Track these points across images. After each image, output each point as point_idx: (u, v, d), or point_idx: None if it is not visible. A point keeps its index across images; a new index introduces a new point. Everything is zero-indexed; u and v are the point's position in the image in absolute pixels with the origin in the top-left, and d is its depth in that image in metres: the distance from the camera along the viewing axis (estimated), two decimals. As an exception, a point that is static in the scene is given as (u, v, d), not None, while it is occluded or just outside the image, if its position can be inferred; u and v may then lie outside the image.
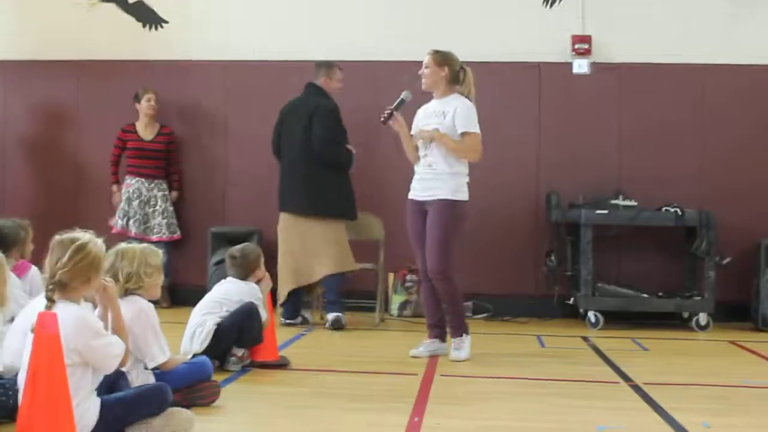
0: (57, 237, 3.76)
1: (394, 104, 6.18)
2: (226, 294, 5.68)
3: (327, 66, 7.83)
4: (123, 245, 4.45)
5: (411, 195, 6.25)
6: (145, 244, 4.63)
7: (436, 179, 6.09)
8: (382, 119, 6.18)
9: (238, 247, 6.02)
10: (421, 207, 6.15)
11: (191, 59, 8.90)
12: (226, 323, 5.48)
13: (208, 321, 5.48)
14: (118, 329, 3.86)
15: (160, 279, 4.46)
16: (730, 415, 4.54)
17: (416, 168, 6.23)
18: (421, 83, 6.19)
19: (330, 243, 7.49)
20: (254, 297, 5.70)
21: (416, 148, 6.20)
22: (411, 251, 6.38)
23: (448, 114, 6.10)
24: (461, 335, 6.12)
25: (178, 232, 8.65)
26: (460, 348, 6.08)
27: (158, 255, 4.48)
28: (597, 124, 8.55)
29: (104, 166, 8.73)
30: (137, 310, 4.24)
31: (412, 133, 6.21)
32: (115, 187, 8.69)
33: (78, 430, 3.35)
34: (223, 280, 5.90)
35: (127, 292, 4.28)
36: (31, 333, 3.25)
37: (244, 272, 5.82)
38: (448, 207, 6.07)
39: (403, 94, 6.24)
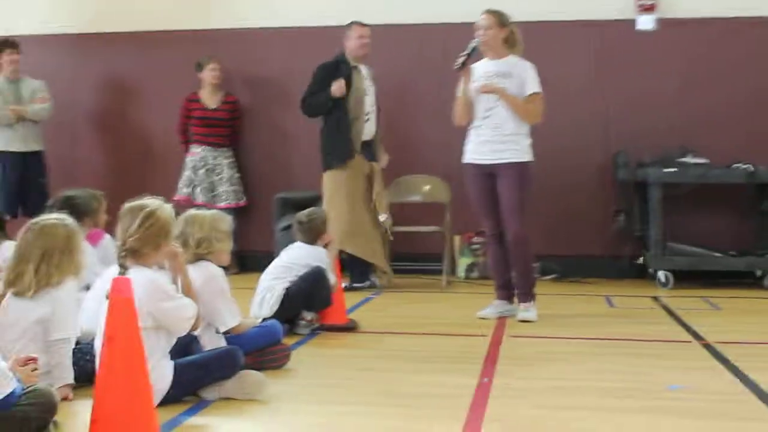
0: (127, 205, 3.83)
1: (468, 50, 6.02)
2: (295, 259, 5.74)
3: (346, 27, 7.78)
4: (192, 211, 4.52)
5: (472, 158, 6.17)
6: (214, 211, 4.69)
7: (505, 141, 6.03)
8: (457, 66, 6.02)
9: (305, 212, 6.06)
10: (487, 170, 6.08)
11: (254, 26, 8.93)
12: (295, 288, 5.55)
13: (277, 286, 5.55)
14: (189, 295, 3.93)
15: (229, 245, 4.52)
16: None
17: (476, 130, 6.13)
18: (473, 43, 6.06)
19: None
20: (322, 261, 5.75)
21: (469, 109, 6.12)
22: (476, 213, 6.37)
23: (514, 76, 6.03)
24: (530, 301, 6.11)
25: (244, 199, 8.75)
26: (529, 309, 6.07)
27: (227, 221, 4.54)
28: (664, 83, 8.38)
29: (170, 136, 8.85)
30: (208, 275, 4.31)
31: (473, 88, 6.07)
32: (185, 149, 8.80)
33: (154, 392, 3.42)
34: (290, 245, 5.96)
35: (197, 258, 4.34)
36: (106, 299, 3.32)
37: (312, 237, 5.87)
38: (522, 169, 6.04)
39: (475, 42, 6.06)
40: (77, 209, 5.04)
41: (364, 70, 7.75)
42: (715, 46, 8.29)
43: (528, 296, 6.13)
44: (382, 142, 7.90)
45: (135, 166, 9.04)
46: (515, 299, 6.21)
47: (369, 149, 7.72)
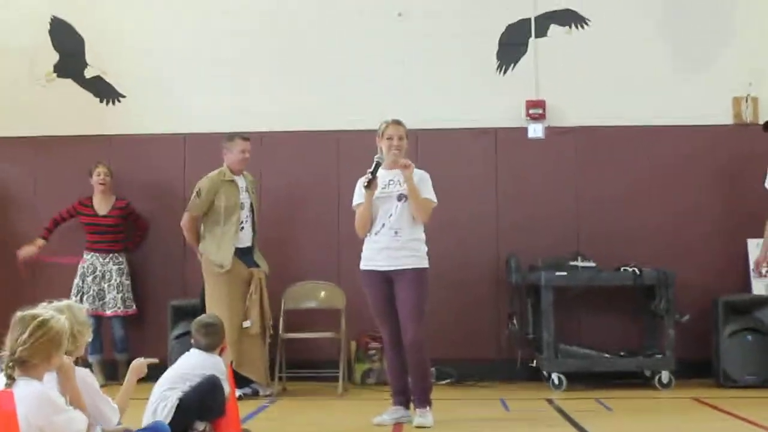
0: (18, 313, 3.71)
1: (373, 167, 6.03)
2: (191, 367, 5.58)
3: (227, 138, 7.89)
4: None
5: (371, 266, 6.15)
6: (68, 302, 4.50)
7: (404, 248, 6.06)
8: (365, 184, 6.02)
9: (206, 317, 5.97)
10: (385, 276, 6.09)
11: (150, 132, 8.88)
12: (188, 398, 5.39)
13: (171, 395, 5.39)
14: (78, 405, 3.79)
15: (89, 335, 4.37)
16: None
17: (374, 237, 6.14)
18: (381, 152, 6.13)
19: None
20: (218, 370, 5.61)
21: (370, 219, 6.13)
22: (372, 319, 6.36)
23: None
24: (426, 406, 6.08)
25: (134, 307, 8.55)
26: (425, 415, 6.03)
27: (83, 309, 4.41)
28: (554, 187, 8.63)
29: (62, 245, 8.60)
30: (79, 378, 4.15)
31: (376, 197, 6.07)
32: (40, 241, 8.54)
33: None
34: (186, 353, 5.82)
35: None
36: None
37: (215, 343, 5.73)
38: (420, 275, 6.07)
39: (377, 158, 6.09)
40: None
41: (240, 181, 7.82)
42: (601, 153, 8.58)
43: (424, 402, 6.09)
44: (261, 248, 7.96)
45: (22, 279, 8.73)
46: (411, 405, 6.16)
47: (248, 256, 7.75)
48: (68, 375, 3.85)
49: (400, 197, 6.09)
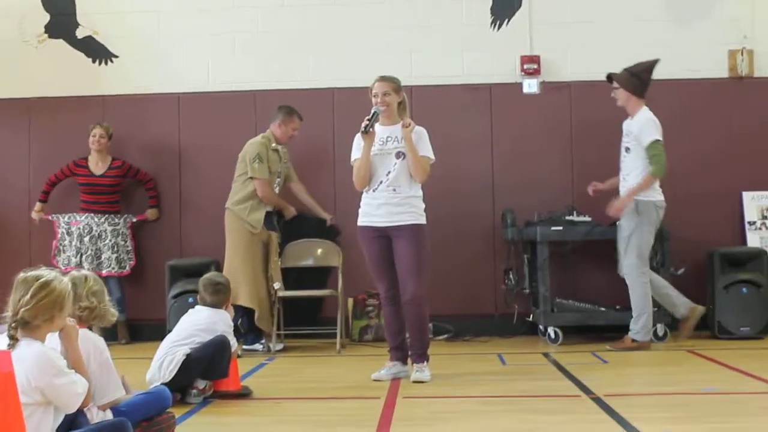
0: (21, 274, 3.72)
1: (371, 116, 6.01)
2: (199, 324, 5.63)
3: (284, 112, 8.01)
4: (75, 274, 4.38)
5: (368, 221, 6.16)
6: (88, 272, 4.54)
7: (403, 204, 6.06)
8: (363, 129, 6.01)
9: (213, 275, 6.07)
10: (383, 233, 6.10)
11: (143, 92, 8.85)
12: (197, 355, 5.44)
13: (178, 352, 5.44)
14: (79, 369, 3.81)
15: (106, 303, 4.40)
16: (690, 422, 4.57)
17: (372, 193, 6.14)
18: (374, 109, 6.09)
19: None
20: (227, 324, 5.67)
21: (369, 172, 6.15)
22: (369, 276, 6.38)
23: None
24: (424, 361, 6.13)
25: (128, 267, 8.55)
26: (422, 370, 6.08)
27: (98, 280, 4.43)
28: (549, 142, 8.62)
29: (56, 205, 8.62)
30: (93, 347, 4.18)
31: (374, 153, 6.07)
32: (38, 205, 8.56)
33: (37, 469, 3.29)
34: (192, 310, 5.85)
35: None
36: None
37: (222, 300, 5.78)
38: (418, 231, 6.08)
39: (375, 108, 6.07)
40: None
41: (281, 150, 8.00)
42: (596, 109, 8.53)
43: (422, 357, 6.14)
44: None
45: (20, 235, 8.74)
46: (409, 360, 6.21)
47: (269, 219, 7.89)
48: (70, 338, 3.86)
49: (398, 155, 6.07)
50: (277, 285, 7.80)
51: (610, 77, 7.71)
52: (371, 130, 6.02)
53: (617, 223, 7.59)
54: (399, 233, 6.06)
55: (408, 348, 6.23)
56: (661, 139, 7.45)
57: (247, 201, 7.83)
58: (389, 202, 6.07)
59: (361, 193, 6.22)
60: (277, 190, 8.00)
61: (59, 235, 8.51)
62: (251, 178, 7.79)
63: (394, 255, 6.10)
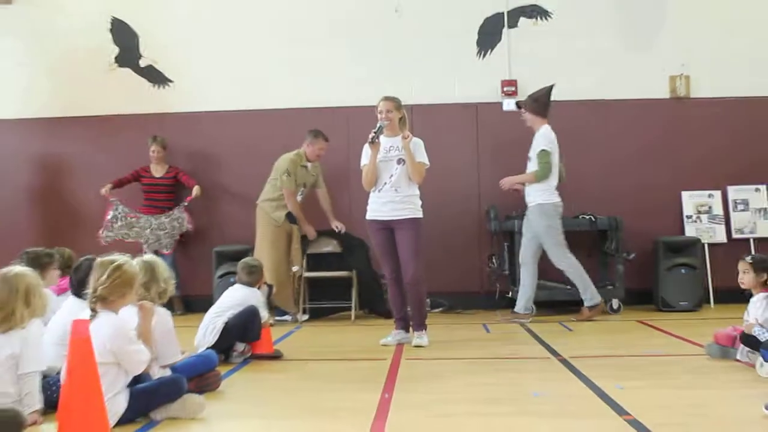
0: (99, 259, 3.79)
1: (377, 129, 6.01)
2: (234, 299, 5.67)
3: (312, 134, 8.00)
4: (153, 262, 4.43)
5: (375, 216, 6.17)
6: (163, 263, 4.58)
7: (403, 201, 6.08)
8: (370, 140, 6.00)
9: (248, 259, 6.10)
10: (387, 225, 6.11)
11: (192, 110, 8.87)
12: (233, 323, 5.48)
13: (218, 320, 5.48)
14: (146, 342, 3.87)
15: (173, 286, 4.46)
16: (638, 378, 4.60)
17: (378, 193, 6.14)
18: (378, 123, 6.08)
19: None
20: (258, 300, 5.71)
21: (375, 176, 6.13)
22: (377, 260, 6.40)
23: (409, 149, 6.06)
24: (423, 329, 6.15)
25: (170, 248, 8.50)
26: (422, 336, 6.10)
27: (166, 266, 4.48)
28: (524, 150, 8.56)
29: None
30: (160, 319, 4.22)
31: (379, 160, 6.07)
32: (108, 186, 8.43)
33: (110, 416, 3.33)
34: (230, 288, 5.89)
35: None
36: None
37: (255, 280, 5.83)
38: (416, 223, 6.10)
39: (380, 123, 6.07)
40: (34, 262, 4.86)
41: (309, 167, 8.01)
42: (562, 121, 8.44)
43: (421, 326, 6.16)
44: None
45: (92, 226, 8.78)
46: (411, 329, 6.24)
47: (291, 215, 7.94)
48: (147, 317, 3.95)
49: (399, 161, 6.10)
50: (295, 268, 7.88)
51: (518, 104, 7.73)
52: (377, 140, 6.04)
53: (524, 218, 7.59)
54: (400, 225, 6.08)
55: (410, 318, 6.25)
56: (548, 149, 7.40)
57: (274, 201, 7.91)
58: (393, 200, 6.09)
59: (368, 193, 6.24)
60: (300, 198, 7.99)
61: (110, 216, 8.40)
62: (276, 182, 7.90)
63: (396, 243, 6.12)
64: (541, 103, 7.54)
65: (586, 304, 7.44)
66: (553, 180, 7.45)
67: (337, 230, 8.11)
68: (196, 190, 8.55)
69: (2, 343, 3.70)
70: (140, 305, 3.95)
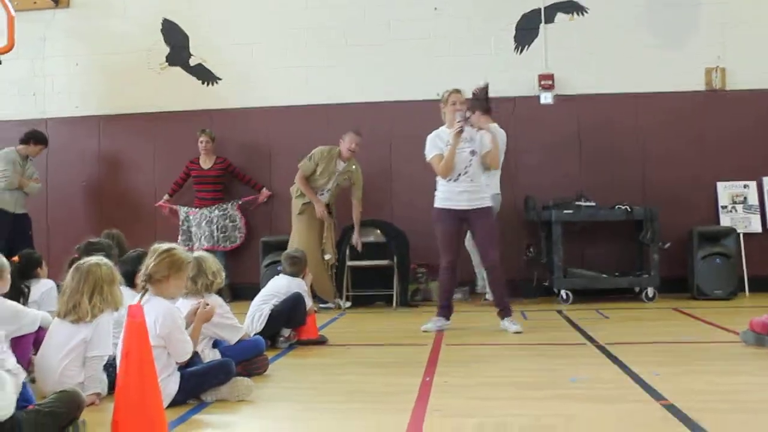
0: (152, 247, 3.82)
1: (463, 119, 5.92)
2: (280, 288, 5.71)
3: (347, 133, 7.92)
4: (202, 257, 4.50)
5: (449, 205, 6.00)
6: (212, 257, 4.64)
7: (479, 191, 6.04)
8: (460, 128, 5.89)
9: (293, 251, 6.11)
10: (461, 215, 6.00)
11: (240, 107, 8.93)
12: (279, 309, 5.51)
13: (264, 308, 5.52)
14: (193, 338, 3.92)
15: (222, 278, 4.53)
16: (674, 365, 4.52)
17: (452, 183, 5.98)
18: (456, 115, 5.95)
19: None
20: (301, 289, 5.72)
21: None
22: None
23: (475, 139, 6.02)
24: (511, 314, 6.04)
25: (238, 241, 8.65)
26: (514, 322, 5.98)
27: (216, 260, 4.57)
28: (561, 142, 8.53)
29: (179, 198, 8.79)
30: (215, 306, 4.30)
31: (446, 152, 5.93)
32: (166, 197, 8.65)
33: (163, 397, 3.36)
34: (275, 277, 5.92)
35: (207, 291, 4.41)
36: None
37: (298, 270, 5.85)
38: (492, 211, 6.16)
39: (461, 114, 5.94)
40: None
41: (340, 165, 7.91)
42: (599, 115, 8.44)
43: (508, 311, 6.03)
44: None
45: (146, 216, 8.90)
46: (499, 316, 6.04)
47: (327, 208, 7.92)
48: (202, 317, 4.05)
49: (472, 152, 6.00)
50: (327, 256, 7.83)
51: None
52: (463, 129, 5.93)
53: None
54: (478, 214, 6.00)
55: (453, 308, 6.18)
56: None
57: (296, 191, 7.96)
58: (469, 189, 5.99)
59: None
60: (326, 194, 7.89)
61: (180, 222, 8.62)
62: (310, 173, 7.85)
63: (471, 232, 6.07)
64: (480, 100, 7.28)
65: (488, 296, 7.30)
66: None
67: (354, 244, 7.95)
68: (263, 195, 8.65)
69: (76, 329, 3.77)
70: (201, 303, 4.00)
